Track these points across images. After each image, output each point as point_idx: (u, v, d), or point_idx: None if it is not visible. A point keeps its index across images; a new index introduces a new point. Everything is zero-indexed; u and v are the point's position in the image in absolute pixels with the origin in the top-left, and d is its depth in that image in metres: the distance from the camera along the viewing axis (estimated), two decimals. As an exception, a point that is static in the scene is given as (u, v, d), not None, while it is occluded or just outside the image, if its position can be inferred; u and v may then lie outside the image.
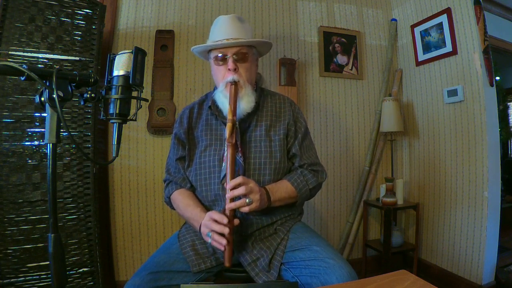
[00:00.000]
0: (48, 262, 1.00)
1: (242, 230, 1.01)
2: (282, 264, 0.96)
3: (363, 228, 2.06)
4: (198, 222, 0.97)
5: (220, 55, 1.04)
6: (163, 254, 0.97)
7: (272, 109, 1.12)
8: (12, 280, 1.26)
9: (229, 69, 1.02)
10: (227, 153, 0.95)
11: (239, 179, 0.90)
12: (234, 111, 0.97)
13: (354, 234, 2.04)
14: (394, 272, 0.73)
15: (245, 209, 0.90)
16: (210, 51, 1.09)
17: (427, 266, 1.94)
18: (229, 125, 0.95)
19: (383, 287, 0.67)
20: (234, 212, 0.93)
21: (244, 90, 1.03)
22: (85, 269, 1.39)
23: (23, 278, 1.28)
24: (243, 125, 1.07)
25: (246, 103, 1.03)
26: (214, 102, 1.09)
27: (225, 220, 0.88)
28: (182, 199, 1.07)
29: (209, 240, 0.91)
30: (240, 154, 1.01)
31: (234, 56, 1.03)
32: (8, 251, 1.27)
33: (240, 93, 1.02)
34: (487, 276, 1.64)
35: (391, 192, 1.90)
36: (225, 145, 0.99)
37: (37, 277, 1.29)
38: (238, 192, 0.89)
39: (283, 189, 1.02)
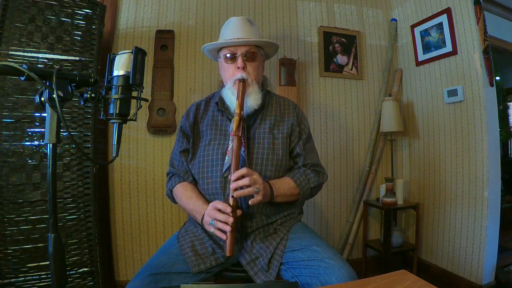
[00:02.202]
0: (48, 262, 1.00)
1: (242, 229, 1.01)
2: (282, 264, 0.96)
3: (363, 228, 2.06)
4: (200, 213, 0.99)
5: (229, 53, 1.07)
6: (162, 255, 0.97)
7: (277, 109, 1.16)
8: (12, 280, 1.26)
9: (238, 67, 1.06)
10: (232, 145, 0.98)
11: (243, 170, 0.92)
12: (241, 105, 1.01)
13: (354, 234, 2.04)
14: (394, 272, 0.73)
15: (252, 202, 0.91)
16: (219, 50, 1.12)
17: (427, 266, 1.94)
18: (236, 118, 0.99)
19: (383, 287, 0.67)
20: (237, 203, 0.94)
21: (252, 88, 1.07)
22: (85, 269, 1.39)
23: (23, 278, 1.28)
24: (248, 121, 1.10)
25: (253, 100, 1.06)
26: (221, 99, 1.12)
27: (228, 209, 0.90)
28: (184, 191, 1.08)
29: (212, 229, 0.92)
30: (243, 148, 1.02)
31: (243, 54, 1.06)
32: (8, 251, 1.27)
33: (247, 90, 1.06)
34: (487, 276, 1.64)
35: (391, 192, 1.90)
36: (229, 139, 1.03)
37: (37, 277, 1.29)
38: (242, 183, 0.90)
39: (285, 185, 1.04)
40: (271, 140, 1.08)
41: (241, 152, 1.01)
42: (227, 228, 0.88)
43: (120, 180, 1.72)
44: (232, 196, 0.92)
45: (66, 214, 1.38)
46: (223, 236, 0.90)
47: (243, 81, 1.04)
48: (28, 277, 1.28)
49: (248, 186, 0.91)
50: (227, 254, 0.89)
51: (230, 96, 1.07)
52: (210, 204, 0.96)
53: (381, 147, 2.12)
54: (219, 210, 0.92)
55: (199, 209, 1.00)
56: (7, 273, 1.26)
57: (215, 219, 0.91)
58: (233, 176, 0.92)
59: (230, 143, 1.04)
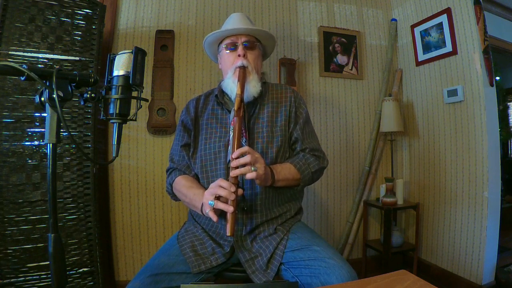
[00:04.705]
0: (48, 262, 1.00)
1: (244, 224, 1.01)
2: (282, 264, 0.96)
3: (363, 228, 2.06)
4: (201, 201, 0.96)
5: (230, 42, 1.11)
6: (163, 256, 0.97)
7: (273, 96, 1.16)
8: (12, 280, 1.26)
9: (238, 55, 1.08)
10: (234, 125, 0.97)
11: (245, 148, 0.91)
12: (242, 87, 1.02)
13: (354, 234, 2.04)
14: (394, 272, 0.73)
15: (251, 175, 0.88)
16: (220, 42, 1.16)
17: (427, 266, 1.94)
18: (237, 99, 0.99)
19: (383, 287, 0.67)
20: (238, 181, 0.93)
21: (252, 76, 1.09)
22: (85, 269, 1.39)
23: (23, 278, 1.28)
24: (248, 112, 1.10)
25: (253, 88, 1.08)
26: (221, 92, 1.14)
27: (232, 187, 0.87)
28: (185, 182, 1.07)
29: (207, 210, 0.89)
30: (245, 139, 1.03)
31: (244, 43, 1.10)
32: (8, 251, 1.27)
33: (248, 78, 1.07)
34: (487, 276, 1.64)
35: (391, 192, 1.90)
36: (231, 130, 1.01)
37: (37, 277, 1.29)
38: (243, 160, 0.89)
39: (286, 169, 1.03)
40: (270, 128, 1.08)
41: (242, 142, 1.01)
42: (230, 209, 0.85)
43: (120, 180, 1.72)
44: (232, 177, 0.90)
45: (66, 214, 1.38)
46: (214, 218, 0.88)
47: (243, 68, 1.06)
48: (28, 277, 1.28)
49: (249, 164, 0.89)
50: (228, 234, 0.86)
51: (231, 85, 1.08)
52: (214, 183, 0.93)
53: (381, 147, 2.12)
54: (222, 187, 0.89)
55: (199, 197, 0.97)
56: (7, 273, 1.26)
57: (216, 196, 0.88)
58: (234, 153, 0.90)
59: (231, 133, 1.02)
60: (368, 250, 2.05)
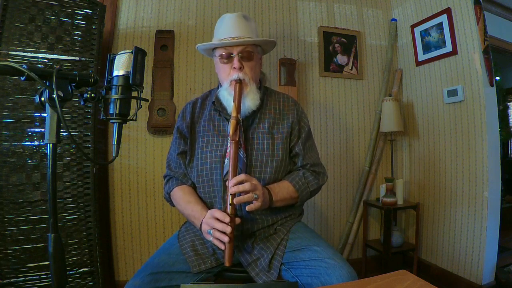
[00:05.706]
0: (48, 262, 1.00)
1: (243, 230, 1.01)
2: (282, 264, 0.96)
3: (363, 228, 2.06)
4: (199, 219, 0.97)
5: (225, 53, 1.04)
6: (163, 254, 0.97)
7: (276, 106, 1.13)
8: (12, 280, 1.26)
9: (234, 68, 1.02)
10: (230, 150, 0.96)
11: (242, 176, 0.90)
12: (238, 108, 0.98)
13: (354, 234, 2.04)
14: (394, 272, 0.73)
15: (253, 206, 0.89)
16: (215, 49, 1.09)
17: (427, 266, 1.94)
18: (233, 122, 0.96)
19: (383, 287, 0.67)
20: (236, 211, 0.93)
21: (249, 88, 1.04)
22: (85, 269, 1.39)
23: (23, 278, 1.28)
24: (247, 121, 1.08)
25: (251, 101, 1.03)
26: (218, 99, 1.09)
27: (227, 218, 0.88)
28: (182, 195, 1.06)
29: (210, 238, 0.91)
30: (242, 151, 1.01)
31: (239, 54, 1.03)
32: (8, 251, 1.27)
33: (245, 91, 1.03)
34: (487, 276, 1.64)
35: (391, 192, 1.90)
36: (228, 141, 1.00)
37: (37, 277, 1.29)
38: (243, 188, 0.89)
39: (284, 190, 1.02)
40: (271, 140, 1.05)
41: (240, 154, 1.00)
42: (225, 239, 0.86)
43: (120, 180, 1.72)
44: (230, 204, 0.90)
45: (66, 214, 1.38)
46: (221, 246, 0.89)
47: (239, 82, 1.01)
48: (28, 277, 1.28)
49: (248, 191, 0.89)
50: (226, 264, 0.88)
51: (227, 97, 1.04)
52: (208, 212, 0.94)
53: (381, 147, 2.12)
54: (217, 219, 0.90)
55: (197, 215, 0.99)
56: (7, 273, 1.26)
57: (213, 228, 0.90)
58: (232, 182, 0.90)
59: (229, 145, 1.02)
60: (368, 250, 2.05)
